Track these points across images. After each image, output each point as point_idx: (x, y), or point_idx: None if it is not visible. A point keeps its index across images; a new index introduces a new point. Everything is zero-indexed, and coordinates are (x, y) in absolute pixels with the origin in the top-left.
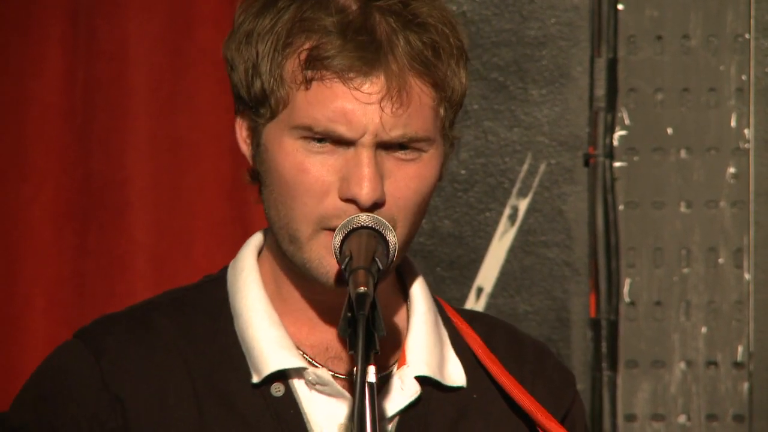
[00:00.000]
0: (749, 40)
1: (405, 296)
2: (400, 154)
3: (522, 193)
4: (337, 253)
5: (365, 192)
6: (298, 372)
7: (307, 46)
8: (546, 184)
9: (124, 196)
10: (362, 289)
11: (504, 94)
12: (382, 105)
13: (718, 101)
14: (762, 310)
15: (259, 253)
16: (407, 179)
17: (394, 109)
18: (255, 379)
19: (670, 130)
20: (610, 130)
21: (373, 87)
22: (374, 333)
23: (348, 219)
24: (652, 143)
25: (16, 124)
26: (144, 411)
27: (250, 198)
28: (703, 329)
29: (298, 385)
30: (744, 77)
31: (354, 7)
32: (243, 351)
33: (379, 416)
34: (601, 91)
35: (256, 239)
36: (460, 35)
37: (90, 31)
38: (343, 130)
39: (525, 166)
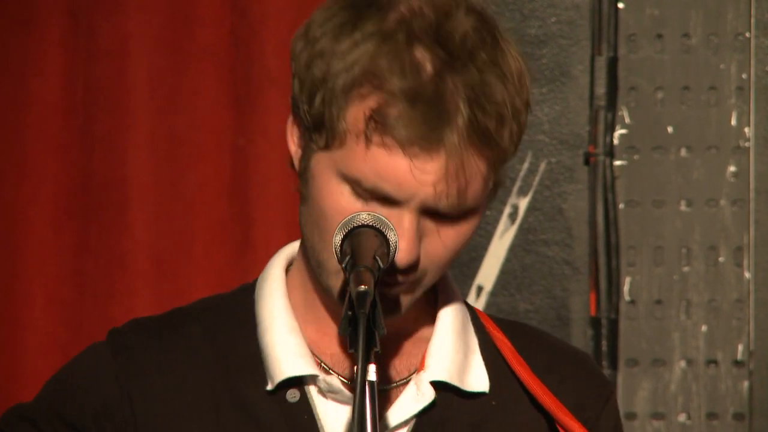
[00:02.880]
0: (749, 38)
1: (435, 308)
2: (443, 221)
3: (522, 192)
4: (338, 252)
5: (402, 257)
6: (314, 379)
7: (372, 102)
8: (546, 183)
9: (125, 195)
10: (363, 287)
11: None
12: (437, 187)
13: (719, 100)
14: (762, 309)
15: (291, 262)
16: (446, 239)
17: (449, 191)
18: (269, 386)
19: (670, 129)
20: (610, 129)
21: (433, 165)
22: (375, 332)
23: (349, 218)
24: (653, 142)
25: (17, 123)
26: (154, 409)
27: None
28: (704, 328)
29: (314, 392)
30: (744, 76)
31: (429, 69)
32: (262, 357)
33: (380, 416)
34: (601, 89)
35: (288, 249)
36: (526, 93)
37: (90, 30)
38: (390, 190)
39: (525, 165)
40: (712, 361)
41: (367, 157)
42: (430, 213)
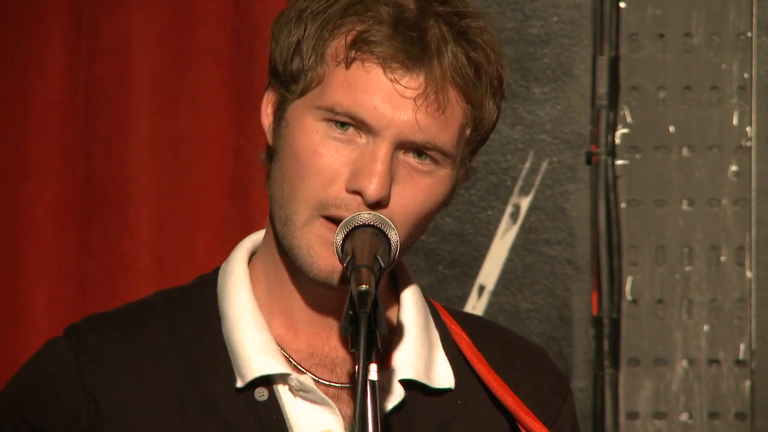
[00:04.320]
0: (751, 38)
1: (397, 304)
2: (416, 162)
3: (524, 191)
4: (339, 251)
5: (373, 188)
6: (283, 377)
7: (357, 28)
8: (548, 182)
9: (127, 194)
10: (364, 287)
11: (506, 92)
12: (417, 103)
13: (720, 99)
14: (764, 308)
15: (253, 254)
16: (416, 190)
17: (428, 112)
18: (239, 384)
19: (672, 128)
20: (612, 128)
21: (412, 82)
22: (376, 331)
23: (350, 217)
24: (654, 141)
25: (19, 122)
26: (120, 410)
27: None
28: (705, 327)
29: (282, 390)
30: (746, 75)
31: (412, 6)
32: (229, 354)
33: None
34: (603, 89)
35: (249, 241)
36: (504, 69)
37: (92, 30)
38: (366, 115)
39: (527, 164)
40: (713, 361)
41: (345, 79)
42: (404, 151)
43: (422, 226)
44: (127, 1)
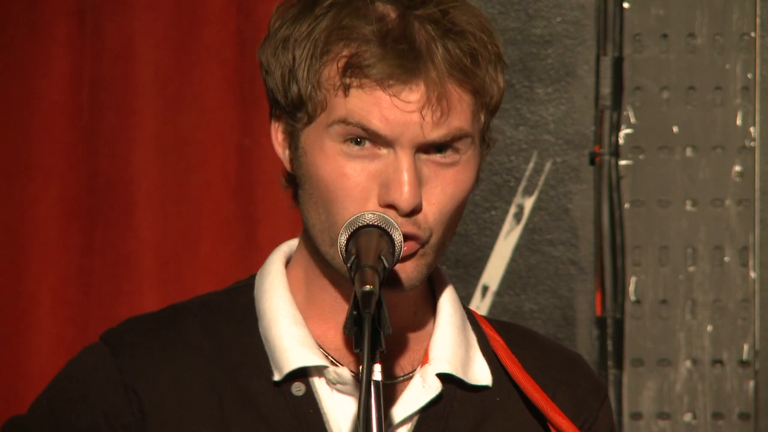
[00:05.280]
0: (755, 38)
1: (434, 305)
2: (438, 157)
3: (527, 192)
4: (343, 252)
5: (405, 198)
6: (319, 370)
7: (345, 53)
8: (552, 183)
9: (130, 195)
10: (368, 287)
11: (510, 92)
12: (422, 113)
13: (724, 100)
14: None
15: (289, 259)
16: (444, 184)
17: (434, 118)
18: (276, 377)
19: (675, 129)
20: (615, 129)
21: (412, 95)
22: (380, 331)
23: (354, 218)
24: (658, 141)
25: (23, 123)
26: (161, 405)
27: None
28: (709, 328)
29: (319, 384)
30: (750, 75)
31: (393, 15)
32: (266, 350)
33: (384, 415)
34: (606, 89)
35: (286, 246)
36: (497, 41)
37: (96, 30)
38: (378, 125)
39: (530, 165)
40: (717, 361)
41: (348, 102)
42: (425, 151)
43: (457, 216)
44: (131, 1)
